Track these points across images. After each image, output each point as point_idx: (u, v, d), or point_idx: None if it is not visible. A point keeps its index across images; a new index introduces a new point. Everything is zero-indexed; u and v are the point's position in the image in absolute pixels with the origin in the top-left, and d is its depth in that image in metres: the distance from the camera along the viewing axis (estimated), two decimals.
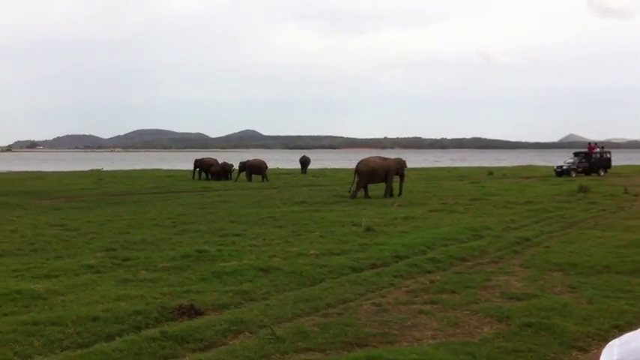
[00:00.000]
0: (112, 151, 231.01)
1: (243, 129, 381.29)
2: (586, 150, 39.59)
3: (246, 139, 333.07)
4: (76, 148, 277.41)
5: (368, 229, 14.16)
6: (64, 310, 7.44)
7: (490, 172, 42.37)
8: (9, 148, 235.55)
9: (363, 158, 25.00)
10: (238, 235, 13.89)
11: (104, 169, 55.76)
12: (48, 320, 6.93)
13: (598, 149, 39.56)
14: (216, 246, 12.06)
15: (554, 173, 37.79)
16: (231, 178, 36.47)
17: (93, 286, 8.75)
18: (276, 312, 7.48)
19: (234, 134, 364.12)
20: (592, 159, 38.46)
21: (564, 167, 37.68)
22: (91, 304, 7.70)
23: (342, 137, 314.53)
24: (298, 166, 47.13)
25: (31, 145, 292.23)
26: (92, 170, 53.27)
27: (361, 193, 23.66)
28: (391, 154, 34.90)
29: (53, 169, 56.43)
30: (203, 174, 37.38)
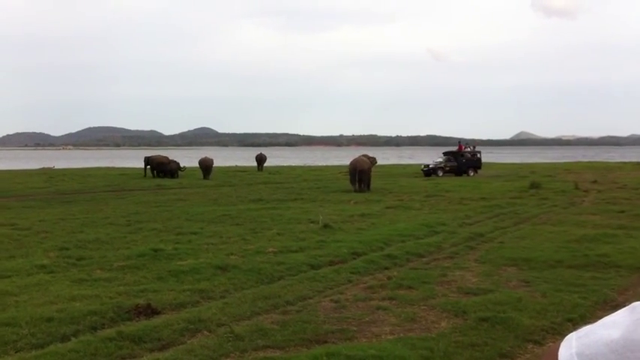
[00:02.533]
0: (63, 148, 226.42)
1: (198, 126, 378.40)
2: (455, 149, 38.91)
3: (201, 137, 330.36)
4: (26, 146, 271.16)
5: (325, 226, 14.19)
6: (17, 310, 7.27)
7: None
8: None
9: (357, 157, 27.26)
10: (195, 233, 13.77)
11: (55, 167, 54.54)
12: (1, 321, 6.77)
13: (469, 149, 39.19)
14: (172, 244, 11.94)
15: (421, 173, 37.02)
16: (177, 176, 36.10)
17: (46, 287, 8.57)
18: (234, 310, 7.45)
19: (188, 131, 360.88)
20: (461, 159, 37.72)
21: (431, 166, 37.01)
22: (45, 304, 7.55)
23: (298, 135, 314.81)
24: (254, 163, 46.97)
25: None
26: (43, 168, 52.05)
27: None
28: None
29: (3, 167, 54.99)
30: (153, 172, 36.95)
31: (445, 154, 38.80)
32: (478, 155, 38.72)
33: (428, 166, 37.50)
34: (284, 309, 7.61)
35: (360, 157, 27.48)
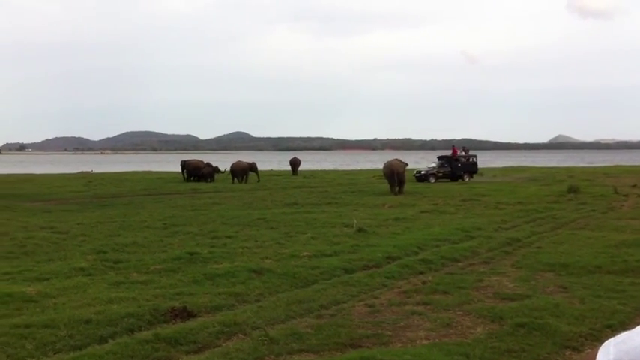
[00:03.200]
0: (101, 153, 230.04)
1: (233, 131, 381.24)
2: (449, 154, 36.74)
3: (237, 141, 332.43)
4: (65, 150, 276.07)
5: (359, 230, 14.17)
6: (56, 312, 7.41)
7: (480, 173, 42.51)
8: None
9: (391, 161, 27.66)
10: (230, 237, 13.87)
11: (94, 171, 55.46)
12: (40, 323, 6.90)
13: (463, 153, 37.29)
14: (207, 248, 12.05)
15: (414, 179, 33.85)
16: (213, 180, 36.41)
17: (85, 289, 8.72)
18: (269, 313, 7.48)
19: (224, 136, 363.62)
20: (455, 164, 35.58)
21: (423, 173, 34.84)
22: (83, 306, 7.67)
23: (332, 139, 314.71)
24: (289, 167, 47.11)
25: (20, 148, 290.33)
26: (82, 173, 52.98)
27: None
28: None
29: (42, 171, 56.10)
30: (190, 176, 37.36)
31: (439, 158, 36.97)
32: (474, 159, 36.77)
33: (420, 172, 35.42)
34: (318, 313, 7.62)
35: (393, 160, 27.76)
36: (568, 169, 50.69)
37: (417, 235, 13.60)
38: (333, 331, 6.81)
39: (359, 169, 61.01)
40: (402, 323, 7.18)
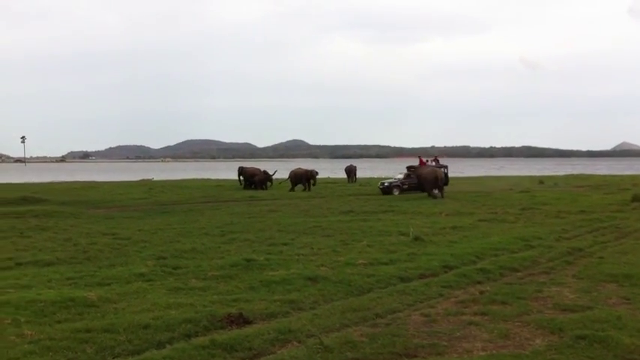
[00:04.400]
0: (162, 161, 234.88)
1: (290, 138, 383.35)
2: (417, 165, 34.54)
3: (294, 149, 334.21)
4: (128, 158, 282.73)
5: (416, 238, 14.06)
6: (116, 317, 7.59)
7: (541, 180, 41.65)
8: (63, 159, 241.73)
9: (430, 167, 30.44)
10: (286, 244, 13.96)
11: (155, 178, 56.69)
12: (100, 328, 7.08)
13: (433, 163, 35.04)
14: (264, 255, 12.15)
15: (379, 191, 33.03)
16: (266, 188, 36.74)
17: (144, 294, 8.90)
18: (324, 322, 7.49)
19: (281, 144, 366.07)
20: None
21: (386, 184, 33.09)
22: (142, 311, 7.84)
23: (389, 146, 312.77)
24: (345, 175, 47.11)
25: (84, 156, 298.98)
26: (143, 180, 54.24)
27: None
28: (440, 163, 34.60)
29: (105, 179, 57.64)
30: (247, 183, 37.85)
31: (408, 169, 34.48)
32: (445, 171, 33.41)
33: (383, 183, 33.63)
34: (373, 322, 7.59)
35: (432, 166, 29.95)
36: (632, 177, 49.18)
37: (475, 244, 13.41)
38: (388, 340, 6.76)
39: None
40: (458, 334, 7.08)
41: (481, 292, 9.09)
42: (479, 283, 9.91)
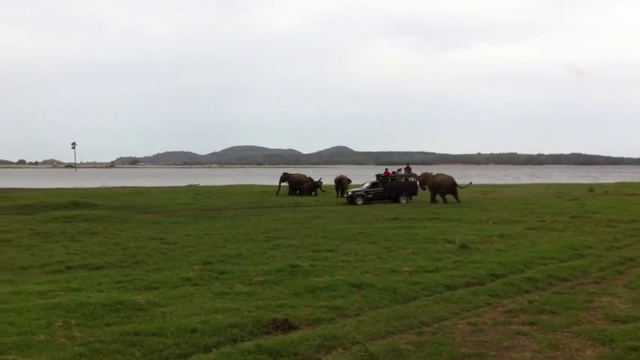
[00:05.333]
0: (208, 167, 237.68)
1: (334, 145, 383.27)
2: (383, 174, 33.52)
3: (338, 155, 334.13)
4: (175, 164, 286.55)
5: (462, 246, 13.91)
6: (163, 321, 7.69)
7: (591, 188, 40.74)
8: (112, 164, 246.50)
9: (438, 174, 31.90)
10: (331, 250, 13.96)
11: (201, 184, 57.35)
12: (148, 331, 7.18)
13: (403, 172, 33.89)
14: (309, 261, 12.17)
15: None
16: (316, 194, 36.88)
17: (191, 299, 9.01)
18: (369, 329, 7.46)
19: (325, 150, 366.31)
20: (389, 184, 32.34)
21: (350, 193, 31.89)
22: (189, 315, 7.93)
23: (434, 153, 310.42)
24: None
25: (133, 162, 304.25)
26: (190, 186, 54.93)
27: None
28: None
29: (153, 184, 58.57)
30: (294, 189, 38.08)
31: (377, 177, 33.42)
32: (413, 180, 33.01)
33: (348, 192, 32.64)
34: (419, 330, 7.53)
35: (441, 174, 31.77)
36: None
37: (523, 253, 13.20)
38: (434, 349, 6.70)
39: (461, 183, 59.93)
40: (506, 343, 6.97)
41: (530, 302, 8.95)
42: (527, 292, 9.76)
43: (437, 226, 19.01)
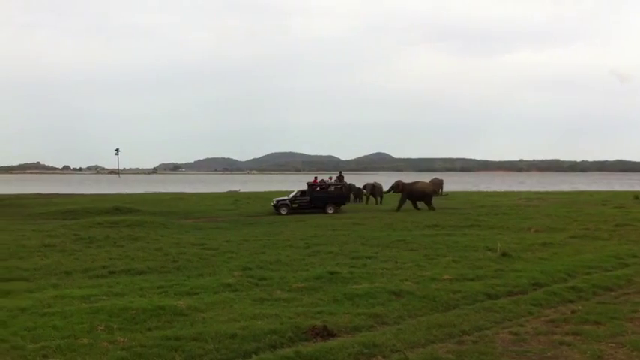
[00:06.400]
0: (248, 173, 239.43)
1: (373, 151, 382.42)
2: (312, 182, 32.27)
3: (377, 162, 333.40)
4: (215, 170, 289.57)
5: (504, 254, 13.74)
6: (204, 326, 7.76)
7: (636, 196, 39.79)
8: (154, 171, 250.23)
9: (417, 182, 32.01)
10: (370, 257, 13.92)
11: (241, 190, 57.82)
12: (189, 336, 7.26)
13: (330, 181, 32.79)
14: (348, 268, 12.15)
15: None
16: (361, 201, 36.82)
17: (231, 304, 9.07)
18: (408, 337, 7.41)
19: (364, 157, 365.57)
20: (316, 193, 30.90)
21: (274, 203, 30.88)
22: (229, 321, 7.99)
23: (474, 160, 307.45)
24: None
25: (174, 168, 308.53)
26: (230, 192, 55.43)
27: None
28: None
29: (194, 190, 59.26)
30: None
31: (309, 185, 31.97)
32: (342, 189, 31.71)
33: (273, 200, 31.62)
34: (459, 338, 7.45)
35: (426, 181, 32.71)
36: None
37: (566, 261, 12.97)
38: (475, 358, 6.63)
39: (503, 190, 59.26)
40: (549, 354, 6.86)
41: (573, 312, 8.78)
42: (570, 301, 9.59)
43: (477, 234, 18.81)
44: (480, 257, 13.73)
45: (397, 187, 31.84)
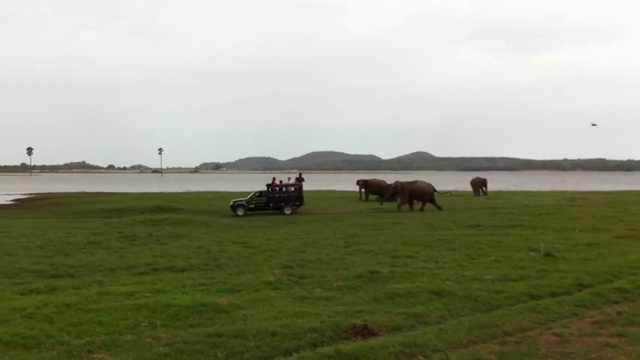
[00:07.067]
0: (288, 172, 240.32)
1: (414, 150, 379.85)
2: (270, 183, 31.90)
3: (418, 161, 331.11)
4: (256, 169, 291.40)
5: (547, 254, 13.53)
6: (245, 323, 7.83)
7: None
8: (196, 170, 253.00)
9: (416, 181, 32.09)
10: (410, 257, 13.84)
11: None
12: (230, 333, 7.32)
13: (289, 182, 32.31)
14: (388, 267, 12.11)
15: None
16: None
17: (272, 302, 9.13)
18: (450, 337, 7.35)
19: (405, 156, 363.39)
20: (272, 194, 30.74)
21: (231, 204, 30.61)
22: (270, 319, 8.04)
23: (518, 159, 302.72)
24: (470, 188, 46.14)
25: (216, 167, 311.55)
26: None
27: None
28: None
29: (235, 189, 59.71)
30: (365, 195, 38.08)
31: (268, 186, 31.68)
32: (298, 191, 31.24)
33: (232, 201, 31.40)
34: (502, 339, 7.36)
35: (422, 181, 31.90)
36: None
37: (612, 262, 12.71)
38: (517, 359, 6.53)
39: (547, 190, 58.32)
40: (593, 356, 6.73)
41: (618, 313, 8.60)
42: (616, 303, 9.40)
43: (520, 234, 18.54)
44: (523, 257, 13.54)
45: (396, 189, 31.88)
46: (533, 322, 8.22)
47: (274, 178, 32.84)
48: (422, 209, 30.06)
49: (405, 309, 8.71)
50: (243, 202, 30.32)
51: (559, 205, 32.31)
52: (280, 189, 31.30)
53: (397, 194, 31.91)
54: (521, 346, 7.02)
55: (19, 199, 48.17)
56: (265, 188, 31.39)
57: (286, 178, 33.98)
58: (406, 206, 30.36)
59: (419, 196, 30.83)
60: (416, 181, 31.92)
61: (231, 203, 30.60)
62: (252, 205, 30.17)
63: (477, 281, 10.68)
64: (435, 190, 31.28)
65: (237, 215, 28.98)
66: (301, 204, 30.98)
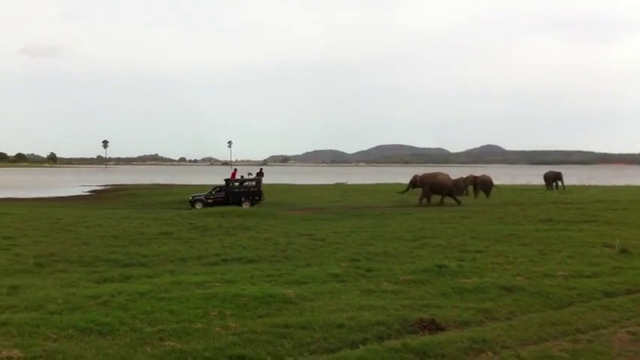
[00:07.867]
0: (355, 165, 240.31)
1: (484, 144, 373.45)
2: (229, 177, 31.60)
3: (487, 154, 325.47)
4: (323, 162, 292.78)
5: (623, 251, 13.09)
6: (312, 315, 7.88)
7: None
8: (264, 162, 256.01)
9: (438, 173, 31.50)
10: (479, 251, 13.64)
11: (348, 182, 58.11)
12: (298, 324, 7.39)
13: (250, 176, 31.39)
14: (456, 261, 11.97)
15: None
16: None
17: (338, 294, 9.16)
18: (520, 333, 7.21)
19: (474, 149, 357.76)
20: (230, 188, 30.34)
21: (190, 199, 30.11)
22: (336, 311, 8.07)
23: (592, 152, 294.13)
24: (543, 182, 45.03)
25: (284, 160, 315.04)
26: (337, 184, 55.85)
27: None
28: None
29: (302, 182, 60.14)
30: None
31: (226, 181, 31.37)
32: (256, 185, 30.80)
33: (191, 195, 31.08)
34: (574, 337, 7.17)
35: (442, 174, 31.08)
36: None
37: None
38: (590, 357, 6.36)
39: (623, 184, 56.32)
40: None
41: None
42: None
43: (594, 229, 17.99)
44: (597, 254, 13.15)
45: (415, 182, 31.41)
46: (606, 319, 7.98)
47: (235, 170, 32.85)
48: (441, 203, 29.46)
49: (474, 304, 8.60)
50: (202, 197, 30.23)
51: (635, 200, 31.14)
52: (241, 184, 31.06)
53: (416, 187, 31.52)
54: (594, 344, 6.82)
55: (95, 191, 49.93)
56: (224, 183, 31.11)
57: (254, 172, 33.56)
58: (405, 203, 29.95)
59: (439, 189, 30.13)
60: (437, 174, 31.25)
61: (190, 198, 30.49)
62: (211, 200, 29.98)
63: (548, 277, 10.45)
64: (455, 184, 30.76)
65: (196, 209, 27.98)
66: (260, 199, 30.56)
